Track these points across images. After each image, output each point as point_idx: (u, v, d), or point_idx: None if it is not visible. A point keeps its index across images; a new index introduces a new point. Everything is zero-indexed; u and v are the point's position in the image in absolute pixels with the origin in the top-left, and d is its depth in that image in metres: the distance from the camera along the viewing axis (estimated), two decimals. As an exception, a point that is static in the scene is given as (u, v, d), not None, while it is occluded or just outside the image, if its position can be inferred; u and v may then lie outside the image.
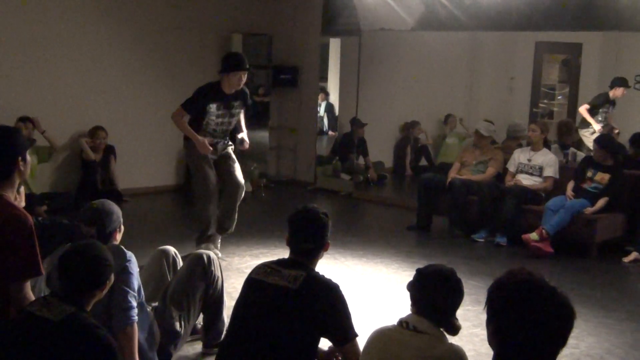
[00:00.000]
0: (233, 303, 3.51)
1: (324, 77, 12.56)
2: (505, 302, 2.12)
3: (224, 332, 4.02)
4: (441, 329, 3.02)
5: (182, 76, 10.00)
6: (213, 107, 6.28)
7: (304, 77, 10.86)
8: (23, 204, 3.81)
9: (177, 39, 9.94)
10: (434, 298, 3.03)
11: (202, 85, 6.44)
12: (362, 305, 5.29)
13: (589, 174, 7.47)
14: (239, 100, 6.44)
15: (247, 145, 6.55)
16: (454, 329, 3.07)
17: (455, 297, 3.09)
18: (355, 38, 10.36)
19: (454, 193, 7.87)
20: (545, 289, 2.12)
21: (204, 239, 6.52)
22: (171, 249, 4.42)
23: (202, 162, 6.36)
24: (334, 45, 12.05)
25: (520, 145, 8.46)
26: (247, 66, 6.31)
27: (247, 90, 6.56)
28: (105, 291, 3.05)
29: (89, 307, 2.96)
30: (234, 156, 6.60)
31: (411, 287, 3.12)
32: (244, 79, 6.32)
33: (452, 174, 8.11)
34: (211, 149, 6.32)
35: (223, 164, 6.51)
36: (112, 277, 3.08)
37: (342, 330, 3.33)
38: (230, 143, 6.60)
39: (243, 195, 6.62)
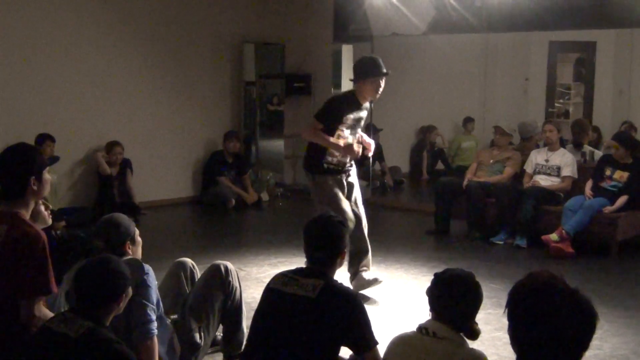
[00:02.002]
0: (252, 313, 3.50)
1: (337, 85, 12.54)
2: (526, 305, 2.09)
3: (245, 343, 4.01)
4: (461, 334, 2.99)
5: (197, 87, 10.06)
6: (350, 118, 5.53)
7: (317, 85, 10.86)
8: (49, 221, 3.83)
9: (191, 51, 9.98)
10: (452, 303, 3.00)
11: (335, 96, 5.70)
12: (382, 312, 5.26)
13: (608, 172, 7.41)
14: (366, 111, 5.77)
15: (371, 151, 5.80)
16: (474, 334, 3.03)
17: (473, 301, 3.05)
18: (367, 44, 10.34)
19: (472, 196, 7.83)
20: (567, 292, 2.08)
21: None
22: (188, 261, 4.42)
23: (337, 197, 5.51)
24: (347, 52, 12.03)
25: (537, 146, 8.41)
26: (385, 71, 5.58)
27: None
28: (122, 304, 3.04)
29: (107, 321, 2.96)
30: (357, 183, 5.83)
31: (429, 292, 3.09)
32: (383, 86, 5.60)
33: (469, 175, 8.09)
34: (360, 150, 5.56)
35: (349, 196, 5.71)
36: (130, 291, 3.07)
37: (363, 338, 3.31)
38: (354, 172, 5.81)
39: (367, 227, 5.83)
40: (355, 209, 5.69)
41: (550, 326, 2.03)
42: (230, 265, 4.27)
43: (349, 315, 3.26)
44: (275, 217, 9.49)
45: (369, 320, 3.34)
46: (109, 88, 9.23)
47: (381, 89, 5.59)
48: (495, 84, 12.62)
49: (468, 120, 12.00)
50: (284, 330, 3.26)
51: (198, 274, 4.38)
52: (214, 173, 9.77)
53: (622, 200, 7.21)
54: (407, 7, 9.45)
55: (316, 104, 10.78)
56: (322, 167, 5.57)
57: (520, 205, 7.51)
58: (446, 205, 8.11)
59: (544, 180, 7.75)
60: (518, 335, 2.11)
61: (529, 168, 7.95)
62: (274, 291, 3.38)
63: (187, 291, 4.25)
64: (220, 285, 4.13)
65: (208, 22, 10.15)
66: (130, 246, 3.69)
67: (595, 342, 4.79)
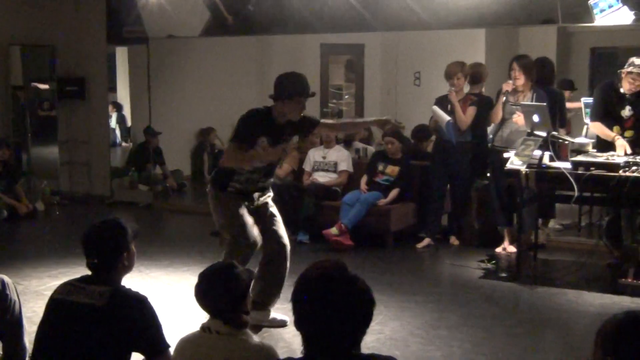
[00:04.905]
0: (34, 328, 3.34)
1: (113, 88, 12.23)
2: (308, 292, 2.18)
3: (28, 358, 3.82)
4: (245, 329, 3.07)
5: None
6: (264, 141, 4.99)
7: (91, 88, 10.52)
8: None
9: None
10: (212, 297, 3.09)
11: (249, 113, 5.16)
12: (172, 316, 5.22)
13: (380, 167, 7.86)
14: (289, 131, 5.18)
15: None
16: (241, 324, 3.11)
17: (230, 291, 3.13)
18: (143, 46, 10.17)
19: (254, 195, 7.96)
20: (346, 279, 2.19)
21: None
22: (-38, 278, 4.12)
23: (240, 211, 5.05)
24: (121, 54, 11.77)
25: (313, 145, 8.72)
26: (311, 91, 5.07)
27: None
28: None
29: None
30: (274, 209, 5.30)
31: (195, 291, 3.16)
32: (304, 107, 5.08)
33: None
34: (286, 151, 5.16)
35: (262, 219, 5.21)
36: None
37: (153, 342, 3.26)
38: (270, 193, 5.34)
39: (289, 259, 5.21)
40: (275, 236, 5.19)
41: (330, 311, 2.12)
42: (6, 278, 4.03)
43: (139, 321, 3.21)
44: (53, 227, 9.08)
45: (159, 324, 3.30)
46: None
47: (303, 111, 5.08)
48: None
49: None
50: (71, 341, 3.15)
51: (-27, 291, 4.10)
52: (-18, 184, 9.15)
53: (394, 193, 7.68)
54: (182, 9, 9.41)
55: (92, 109, 10.46)
56: (226, 188, 5.10)
57: (300, 203, 7.76)
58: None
59: (322, 177, 8.07)
60: (302, 320, 2.19)
61: (307, 167, 8.24)
62: (58, 301, 3.25)
63: (-40, 310, 3.97)
64: (-4, 300, 3.90)
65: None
66: None
67: (375, 327, 5.10)
